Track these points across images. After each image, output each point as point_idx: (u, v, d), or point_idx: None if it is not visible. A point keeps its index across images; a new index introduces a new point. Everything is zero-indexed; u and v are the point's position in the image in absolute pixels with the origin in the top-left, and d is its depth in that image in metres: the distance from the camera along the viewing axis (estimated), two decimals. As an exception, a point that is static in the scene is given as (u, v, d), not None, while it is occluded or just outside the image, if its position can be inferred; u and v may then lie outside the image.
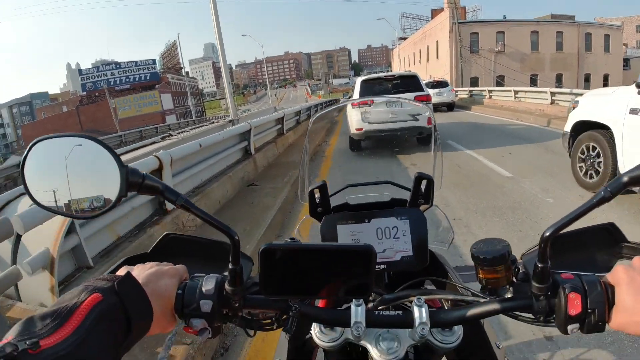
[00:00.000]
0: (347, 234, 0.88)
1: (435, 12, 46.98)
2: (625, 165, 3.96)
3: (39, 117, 59.63)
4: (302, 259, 0.55)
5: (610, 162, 4.17)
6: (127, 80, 52.61)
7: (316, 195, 0.91)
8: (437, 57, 39.26)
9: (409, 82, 8.76)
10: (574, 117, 4.88)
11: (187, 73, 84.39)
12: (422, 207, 0.91)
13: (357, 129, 7.98)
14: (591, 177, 4.56)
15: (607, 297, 0.52)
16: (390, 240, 0.87)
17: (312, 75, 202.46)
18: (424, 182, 0.90)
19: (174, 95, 57.14)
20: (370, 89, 8.69)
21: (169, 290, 0.58)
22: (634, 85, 3.87)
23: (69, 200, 0.55)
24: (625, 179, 0.50)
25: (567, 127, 5.02)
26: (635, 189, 2.61)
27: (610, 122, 4.18)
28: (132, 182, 0.54)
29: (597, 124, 4.42)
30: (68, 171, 0.54)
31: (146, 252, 0.76)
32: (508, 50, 34.15)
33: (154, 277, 0.58)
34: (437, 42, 38.90)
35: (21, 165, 0.55)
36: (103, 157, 0.54)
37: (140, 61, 54.14)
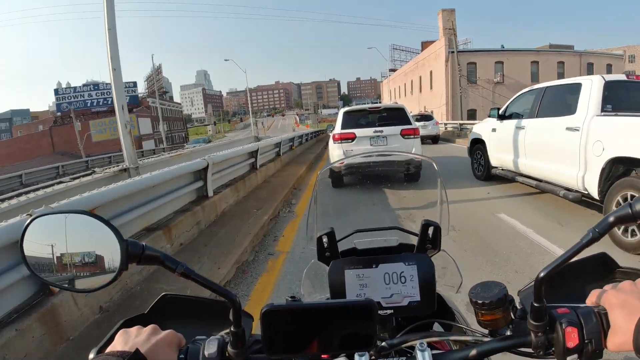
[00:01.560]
0: (355, 279, 0.88)
1: (425, 44, 46.09)
2: (491, 160, 7.24)
3: (15, 134, 55.60)
4: (304, 318, 0.55)
5: (486, 160, 7.40)
6: (105, 102, 47.97)
7: (324, 240, 0.91)
8: (431, 87, 37.75)
9: (396, 115, 7.90)
10: (470, 136, 8.38)
11: (170, 97, 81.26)
12: (429, 253, 0.91)
13: (339, 164, 6.85)
14: (479, 171, 7.86)
15: (602, 326, 0.55)
16: (397, 286, 0.87)
17: (302, 105, 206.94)
18: (431, 228, 0.89)
19: (154, 119, 52.90)
20: (354, 121, 7.85)
21: (171, 358, 0.59)
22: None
23: (71, 276, 0.56)
24: (611, 219, 0.53)
25: (469, 142, 8.42)
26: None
27: (484, 137, 7.49)
28: (132, 254, 0.55)
29: (479, 139, 7.70)
30: (68, 246, 0.56)
31: (143, 313, 0.75)
32: (507, 81, 31.94)
33: (155, 346, 0.58)
34: (430, 72, 37.35)
35: (20, 240, 0.56)
36: (102, 232, 0.55)
37: None
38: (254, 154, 8.45)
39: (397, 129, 7.41)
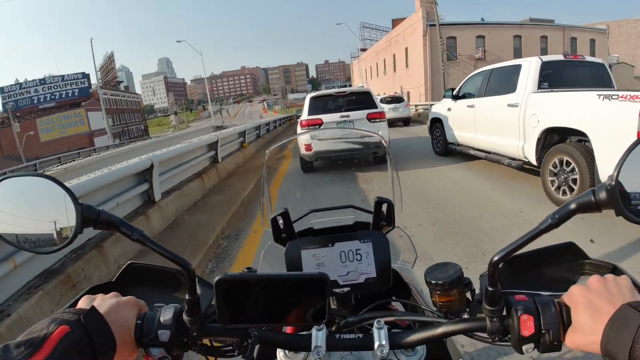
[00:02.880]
0: (311, 259, 0.90)
1: (396, 22, 43.85)
2: (448, 137, 8.19)
3: None
4: (258, 289, 0.57)
5: (444, 137, 8.37)
6: (53, 97, 46.62)
7: (280, 222, 0.92)
8: (407, 66, 35.83)
9: (362, 99, 8.28)
10: (430, 115, 9.31)
11: (126, 87, 78.52)
12: (384, 230, 0.93)
13: (306, 149, 7.49)
14: (438, 147, 8.89)
15: (561, 318, 0.55)
16: (354, 263, 0.89)
17: (270, 90, 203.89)
18: (384, 205, 0.91)
19: (108, 113, 51.30)
20: (321, 106, 8.18)
21: (129, 321, 0.62)
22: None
23: (28, 236, 0.61)
24: (573, 206, 0.53)
25: (429, 122, 9.33)
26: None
27: (441, 116, 8.39)
28: (87, 218, 0.57)
29: (438, 118, 8.63)
30: (26, 208, 0.61)
31: (111, 281, 0.78)
32: (489, 57, 29.25)
33: (115, 309, 0.61)
34: (406, 49, 35.42)
35: None
36: (59, 195, 0.58)
37: (68, 75, 48.06)
38: (213, 146, 7.97)
39: (363, 113, 7.78)
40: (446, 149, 8.39)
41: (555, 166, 4.78)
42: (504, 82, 6.14)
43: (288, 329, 0.85)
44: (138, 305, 0.65)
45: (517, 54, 29.87)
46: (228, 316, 0.57)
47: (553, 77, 5.52)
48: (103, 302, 0.62)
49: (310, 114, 7.94)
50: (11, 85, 47.95)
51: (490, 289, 0.57)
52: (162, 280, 0.80)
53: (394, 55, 39.31)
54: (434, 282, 0.63)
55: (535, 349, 0.56)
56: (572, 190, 4.53)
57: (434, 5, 29.69)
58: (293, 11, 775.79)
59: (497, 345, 0.61)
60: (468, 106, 7.09)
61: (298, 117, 9.55)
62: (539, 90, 5.37)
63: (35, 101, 46.96)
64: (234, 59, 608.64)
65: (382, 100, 19.54)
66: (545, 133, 5.02)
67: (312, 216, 1.01)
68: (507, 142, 5.85)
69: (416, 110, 23.97)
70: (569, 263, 0.74)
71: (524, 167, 5.71)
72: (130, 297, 0.66)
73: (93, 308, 0.57)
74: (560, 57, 5.86)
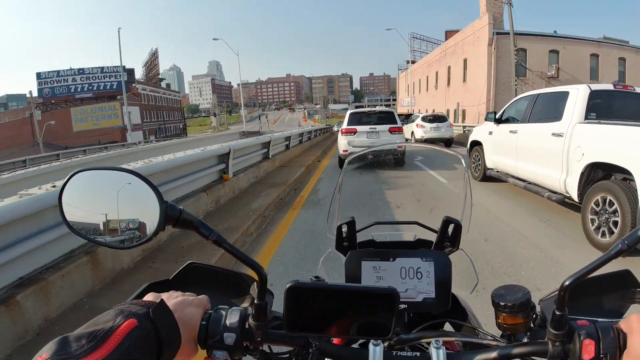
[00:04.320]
0: (371, 271, 0.93)
1: (449, 34, 42.69)
2: (487, 162, 8.22)
3: (2, 120, 54.74)
4: (326, 298, 0.59)
5: (483, 162, 8.38)
6: (90, 88, 47.64)
7: (343, 230, 0.97)
8: (465, 80, 32.50)
9: (387, 116, 11.75)
10: (470, 138, 9.39)
11: (168, 85, 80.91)
12: (447, 250, 0.95)
13: (343, 151, 11.04)
14: (476, 172, 8.80)
15: (619, 343, 0.57)
16: (413, 281, 0.92)
17: (312, 99, 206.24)
18: (451, 226, 0.93)
19: (144, 108, 51.81)
20: (357, 119, 11.55)
21: (194, 320, 0.63)
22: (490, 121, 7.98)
23: (106, 231, 0.61)
24: None
25: (468, 144, 9.36)
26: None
27: (481, 139, 8.53)
28: (170, 216, 0.59)
29: (478, 141, 8.68)
30: (107, 203, 0.61)
31: (168, 278, 0.79)
32: (563, 76, 26.89)
33: (181, 306, 0.62)
34: (464, 60, 32.27)
35: (59, 194, 0.61)
36: (144, 191, 0.60)
37: (107, 67, 48.49)
38: (224, 157, 7.31)
39: (386, 127, 11.06)
40: (484, 174, 8.27)
41: (597, 204, 4.57)
42: (550, 108, 5.98)
43: (335, 340, 0.84)
44: (203, 305, 0.66)
45: (594, 75, 27.63)
46: (295, 323, 0.59)
47: (601, 108, 5.37)
48: (169, 299, 0.63)
49: (348, 124, 11.34)
50: (48, 71, 48.72)
51: (558, 313, 0.59)
52: (220, 283, 0.82)
53: (449, 68, 36.47)
54: (503, 303, 0.66)
55: None
56: (611, 233, 4.30)
57: (506, 6, 23.49)
58: (342, 21, 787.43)
59: None
60: (510, 131, 6.96)
61: (339, 126, 13.36)
62: (586, 121, 5.20)
63: (72, 90, 47.81)
64: (281, 66, 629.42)
65: (423, 119, 19.48)
66: (589, 167, 4.82)
67: (374, 228, 1.05)
68: (548, 173, 5.67)
69: (464, 131, 22.19)
70: (623, 291, 0.76)
71: (564, 201, 5.52)
72: (201, 296, 0.67)
73: (162, 302, 0.57)
74: (610, 87, 5.71)
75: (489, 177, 8.16)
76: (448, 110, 29.87)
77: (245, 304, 0.72)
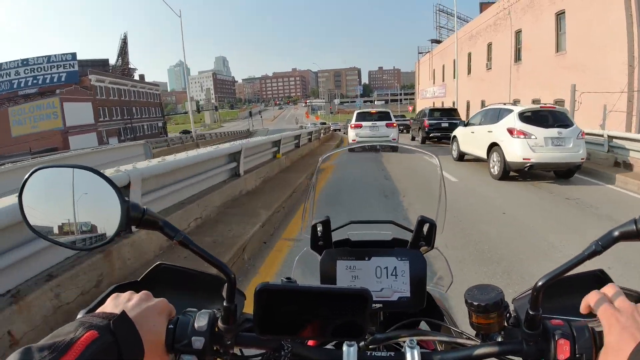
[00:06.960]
0: (346, 270, 0.94)
1: (485, 6, 33.73)
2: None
3: None
4: (297, 300, 0.59)
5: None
6: (35, 82, 38.96)
7: (318, 229, 0.97)
8: (559, 48, 19.41)
9: (385, 115, 17.54)
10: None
11: (142, 77, 68.62)
12: (422, 249, 0.96)
13: (352, 140, 16.53)
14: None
15: (594, 342, 0.58)
16: (388, 280, 0.92)
17: (318, 94, 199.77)
18: (426, 225, 0.95)
19: (100, 104, 42.41)
20: (362, 117, 17.31)
21: (158, 326, 0.62)
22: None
23: (68, 232, 0.59)
24: (616, 233, 0.57)
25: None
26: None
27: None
28: (133, 216, 0.59)
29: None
30: (68, 202, 0.59)
31: (136, 280, 0.79)
32: None
33: (145, 312, 0.61)
34: (557, 15, 19.18)
35: (19, 192, 0.59)
36: (104, 190, 0.58)
37: (55, 56, 40.37)
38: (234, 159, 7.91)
39: (384, 122, 16.78)
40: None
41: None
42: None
43: (310, 342, 0.81)
44: (168, 309, 0.64)
45: None
46: (266, 326, 0.58)
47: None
48: (133, 304, 0.61)
49: (356, 121, 17.07)
50: (-8, 66, 40.00)
51: (531, 312, 0.60)
52: (190, 285, 0.80)
53: (517, 34, 23.68)
54: (475, 303, 0.65)
55: None
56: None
57: None
58: (350, 13, 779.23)
59: None
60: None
61: (348, 124, 20.70)
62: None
63: (15, 86, 39.54)
64: (288, 61, 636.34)
65: (526, 118, 8.99)
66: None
67: (349, 227, 1.05)
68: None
69: (608, 148, 10.52)
70: (597, 289, 0.74)
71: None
72: (162, 300, 0.65)
73: (124, 313, 0.57)
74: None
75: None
76: (515, 102, 14.51)
77: (217, 306, 0.67)
